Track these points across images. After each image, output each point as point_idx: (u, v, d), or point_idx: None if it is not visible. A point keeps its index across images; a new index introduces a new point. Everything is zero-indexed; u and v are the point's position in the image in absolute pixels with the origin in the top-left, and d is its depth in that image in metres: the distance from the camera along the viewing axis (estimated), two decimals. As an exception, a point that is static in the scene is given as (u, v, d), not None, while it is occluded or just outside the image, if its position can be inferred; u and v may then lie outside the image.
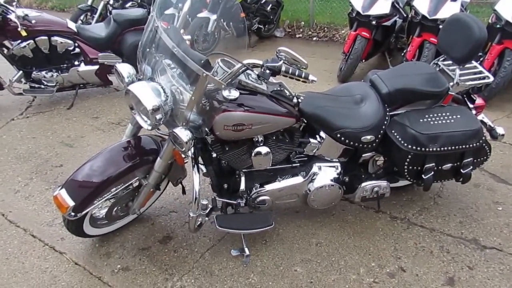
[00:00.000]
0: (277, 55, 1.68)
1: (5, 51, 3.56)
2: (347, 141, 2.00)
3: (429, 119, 2.01)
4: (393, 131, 2.02)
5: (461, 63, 2.13)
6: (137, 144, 2.00)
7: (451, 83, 2.12)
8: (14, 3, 3.45)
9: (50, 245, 2.22)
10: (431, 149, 1.96)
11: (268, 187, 2.04)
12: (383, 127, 2.02)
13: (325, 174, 2.09)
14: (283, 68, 1.65)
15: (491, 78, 2.22)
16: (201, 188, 1.88)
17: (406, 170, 2.08)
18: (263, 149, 1.89)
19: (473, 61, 2.24)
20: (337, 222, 2.35)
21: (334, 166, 2.12)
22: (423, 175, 2.08)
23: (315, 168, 2.08)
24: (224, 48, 4.62)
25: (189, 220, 1.93)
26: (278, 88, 1.88)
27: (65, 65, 3.78)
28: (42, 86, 3.75)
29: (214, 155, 1.94)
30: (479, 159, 2.18)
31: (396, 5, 4.31)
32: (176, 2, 2.85)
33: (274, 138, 1.95)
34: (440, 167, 2.08)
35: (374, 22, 4.04)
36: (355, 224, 2.34)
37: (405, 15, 4.40)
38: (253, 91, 1.82)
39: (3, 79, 3.65)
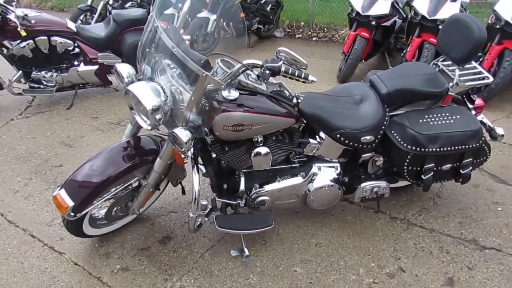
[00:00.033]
0: (277, 56, 1.68)
1: (5, 51, 3.56)
2: (346, 141, 2.00)
3: (429, 120, 2.01)
4: (392, 132, 2.02)
5: (460, 63, 2.13)
6: (137, 144, 2.00)
7: (451, 84, 2.12)
8: (13, 3, 3.44)
9: (50, 245, 2.21)
10: (430, 150, 1.96)
11: (268, 187, 2.04)
12: (383, 127, 2.02)
13: (325, 175, 2.09)
14: (283, 69, 1.65)
15: (491, 79, 2.23)
16: (201, 188, 1.88)
17: (405, 171, 2.08)
18: (263, 150, 1.89)
19: (472, 62, 2.24)
20: (337, 223, 2.35)
21: (333, 167, 2.12)
22: (422, 176, 2.08)
23: (314, 169, 2.08)
24: (224, 48, 4.61)
25: (188, 220, 1.93)
26: (278, 89, 1.87)
27: (65, 65, 3.78)
28: (42, 86, 3.74)
29: (214, 155, 1.93)
30: (478, 160, 2.18)
31: (396, 6, 4.31)
32: (175, 2, 2.84)
33: (273, 138, 1.95)
34: (439, 168, 2.08)
35: (373, 23, 4.04)
36: (355, 225, 2.34)
37: (404, 16, 4.40)
38: (253, 92, 1.82)
39: (2, 79, 3.65)
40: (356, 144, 2.01)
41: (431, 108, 2.10)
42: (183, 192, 2.26)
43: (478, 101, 2.25)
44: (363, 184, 2.18)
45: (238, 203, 2.05)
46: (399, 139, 1.99)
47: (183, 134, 1.62)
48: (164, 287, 1.96)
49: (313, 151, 2.08)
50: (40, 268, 2.07)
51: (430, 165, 2.04)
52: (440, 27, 3.51)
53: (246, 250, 2.06)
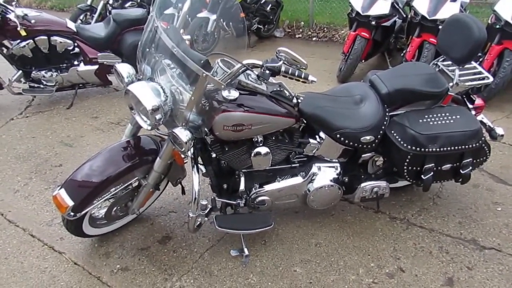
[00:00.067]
0: (277, 55, 1.68)
1: (5, 50, 3.56)
2: (346, 141, 2.00)
3: (429, 120, 2.01)
4: (392, 132, 2.02)
5: (460, 63, 2.13)
6: (137, 144, 2.00)
7: (451, 84, 2.12)
8: (13, 3, 3.44)
9: (49, 245, 2.21)
10: (430, 150, 1.96)
11: (268, 187, 2.04)
12: (383, 127, 2.02)
13: (325, 175, 2.09)
14: (283, 69, 1.65)
15: (491, 79, 2.23)
16: (201, 188, 1.88)
17: (405, 171, 2.08)
18: (263, 150, 1.89)
19: (472, 62, 2.24)
20: (337, 223, 2.35)
21: (333, 167, 2.13)
22: (422, 176, 2.08)
23: (314, 169, 2.08)
24: (224, 48, 4.61)
25: (188, 220, 1.93)
26: (278, 89, 1.87)
27: (65, 64, 3.78)
28: (42, 86, 3.75)
29: (214, 155, 1.93)
30: (478, 160, 2.18)
31: (396, 6, 4.31)
32: (175, 2, 2.84)
33: (273, 138, 1.95)
34: (439, 168, 2.08)
35: (373, 23, 4.04)
36: (355, 225, 2.34)
37: (404, 16, 4.40)
38: (253, 92, 1.82)
39: (2, 78, 3.65)
40: (356, 144, 2.01)
41: (431, 108, 2.10)
42: (183, 192, 2.26)
43: (478, 101, 2.25)
44: (363, 184, 2.18)
45: (238, 203, 2.05)
46: (399, 139, 1.99)
47: (183, 134, 1.62)
48: (163, 287, 1.96)
49: (313, 151, 2.08)
50: (40, 267, 2.07)
51: (430, 165, 2.04)
52: (440, 27, 3.52)
53: (245, 250, 2.06)
